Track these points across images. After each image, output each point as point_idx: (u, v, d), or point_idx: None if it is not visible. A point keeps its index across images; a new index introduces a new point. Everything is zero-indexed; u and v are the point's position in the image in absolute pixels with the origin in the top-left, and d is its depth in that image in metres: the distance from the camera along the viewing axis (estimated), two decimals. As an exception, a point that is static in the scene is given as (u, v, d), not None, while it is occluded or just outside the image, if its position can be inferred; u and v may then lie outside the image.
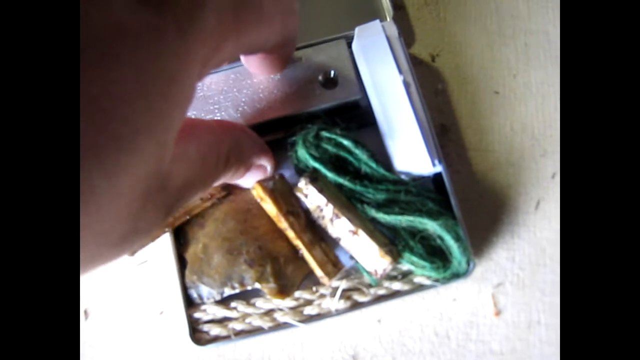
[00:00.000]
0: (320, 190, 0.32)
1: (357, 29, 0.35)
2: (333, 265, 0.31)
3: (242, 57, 0.30)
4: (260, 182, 0.31)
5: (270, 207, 0.31)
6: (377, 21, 0.35)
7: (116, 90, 0.14)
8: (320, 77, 0.34)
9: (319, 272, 0.31)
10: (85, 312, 0.34)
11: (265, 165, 0.31)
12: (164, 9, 0.15)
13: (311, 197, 0.32)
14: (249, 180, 0.31)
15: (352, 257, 0.33)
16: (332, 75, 0.34)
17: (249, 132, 0.29)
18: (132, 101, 0.14)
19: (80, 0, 0.13)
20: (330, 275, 0.31)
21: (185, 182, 0.21)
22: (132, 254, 0.31)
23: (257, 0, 0.20)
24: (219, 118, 0.33)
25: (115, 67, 0.14)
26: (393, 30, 0.35)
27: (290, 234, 0.31)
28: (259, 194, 0.31)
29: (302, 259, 0.31)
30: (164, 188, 0.19)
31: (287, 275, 0.31)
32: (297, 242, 0.31)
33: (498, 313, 0.34)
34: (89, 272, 0.18)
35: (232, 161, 0.26)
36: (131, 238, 0.18)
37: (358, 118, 0.35)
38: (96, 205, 0.14)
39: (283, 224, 0.31)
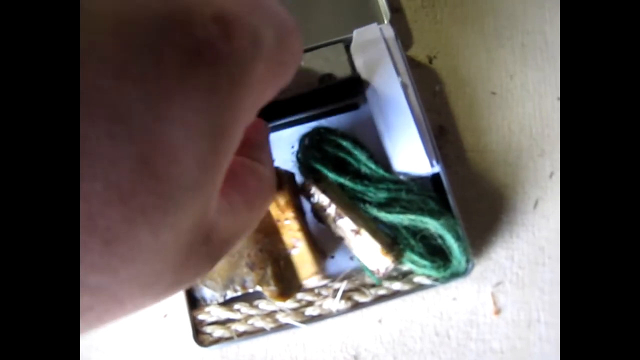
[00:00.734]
0: (324, 191, 0.32)
1: (355, 32, 0.35)
2: (320, 260, 0.32)
3: None
4: (278, 170, 0.32)
5: (283, 195, 0.32)
6: (375, 24, 0.35)
7: (167, 150, 0.13)
8: (318, 80, 0.35)
9: (313, 267, 0.31)
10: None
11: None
12: (218, 63, 0.14)
13: (315, 197, 0.32)
14: None
15: (351, 258, 0.33)
16: (331, 78, 0.35)
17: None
18: (182, 160, 0.14)
19: None
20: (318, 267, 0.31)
21: (232, 233, 0.20)
22: None
23: (292, 42, 0.19)
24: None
25: (167, 127, 0.13)
26: (390, 33, 0.35)
27: (294, 225, 0.31)
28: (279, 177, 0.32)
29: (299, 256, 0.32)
30: (208, 240, 0.18)
31: (288, 277, 0.31)
32: (299, 234, 0.31)
33: (498, 312, 0.34)
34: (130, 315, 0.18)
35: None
36: (174, 288, 0.18)
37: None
38: (142, 260, 0.14)
39: (290, 213, 0.31)
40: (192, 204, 0.15)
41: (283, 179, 0.32)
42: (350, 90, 0.34)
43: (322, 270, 0.32)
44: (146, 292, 0.16)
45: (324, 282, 0.32)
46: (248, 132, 0.26)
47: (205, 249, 0.18)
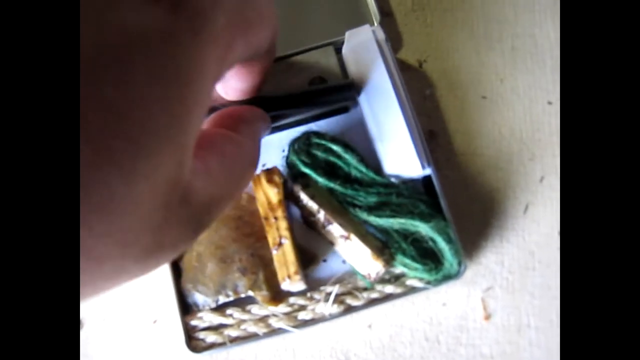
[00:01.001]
0: (312, 197, 0.32)
1: (347, 34, 0.35)
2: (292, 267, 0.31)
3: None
4: (276, 169, 0.32)
5: (275, 192, 0.31)
6: (367, 26, 0.35)
7: (131, 93, 0.13)
8: (308, 83, 0.35)
9: (294, 266, 0.31)
10: (80, 321, 0.35)
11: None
12: (176, 10, 0.15)
13: (304, 202, 0.32)
14: None
15: (344, 262, 0.33)
16: (321, 81, 0.35)
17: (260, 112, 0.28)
18: (148, 104, 0.14)
19: (92, 3, 0.13)
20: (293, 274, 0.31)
21: (211, 197, 0.20)
22: None
23: (257, 0, 0.20)
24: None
25: (130, 70, 0.13)
26: (381, 35, 0.35)
27: (283, 223, 0.31)
28: (273, 178, 0.32)
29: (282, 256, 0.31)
30: (187, 202, 0.18)
31: (279, 282, 0.31)
32: (286, 233, 0.31)
33: (488, 317, 0.34)
34: (115, 287, 0.17)
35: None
36: (156, 253, 0.17)
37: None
38: (117, 213, 0.14)
39: (280, 212, 0.31)
40: (163, 153, 0.15)
41: (278, 178, 0.32)
42: (343, 95, 0.34)
43: (301, 270, 0.31)
44: (125, 252, 0.15)
45: (303, 285, 0.32)
46: (241, 110, 0.26)
47: (185, 212, 0.18)
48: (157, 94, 0.14)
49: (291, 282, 0.30)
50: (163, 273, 0.33)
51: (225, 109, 0.26)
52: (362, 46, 0.35)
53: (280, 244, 0.31)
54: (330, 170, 0.33)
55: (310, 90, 0.34)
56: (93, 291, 0.16)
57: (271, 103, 0.32)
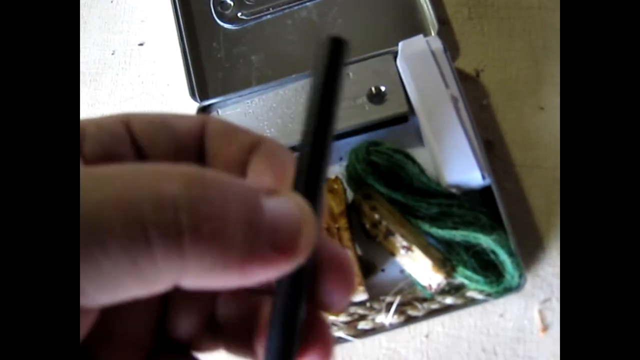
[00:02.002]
0: (374, 207, 0.32)
1: (400, 44, 0.35)
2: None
3: None
4: (338, 178, 0.33)
5: (337, 202, 0.32)
6: (421, 36, 0.35)
7: None
8: (367, 92, 0.35)
9: (358, 277, 0.31)
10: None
11: None
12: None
13: (365, 213, 0.32)
14: None
15: (402, 271, 0.33)
16: (380, 90, 0.35)
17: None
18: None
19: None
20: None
21: None
22: None
23: None
24: (268, 134, 0.33)
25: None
26: (438, 45, 0.35)
27: (345, 234, 0.31)
28: (334, 188, 0.32)
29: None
30: None
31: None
32: (349, 244, 0.31)
33: (545, 329, 0.34)
34: None
35: None
36: None
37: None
38: None
39: (342, 223, 0.31)
40: None
41: (339, 187, 0.32)
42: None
43: (364, 281, 0.32)
44: None
45: (366, 295, 0.32)
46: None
47: None
48: None
49: (354, 294, 0.30)
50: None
51: None
52: (416, 56, 0.34)
53: None
54: (392, 180, 0.33)
55: (363, 127, 0.34)
56: None
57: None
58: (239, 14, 0.39)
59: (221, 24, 0.39)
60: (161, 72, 0.41)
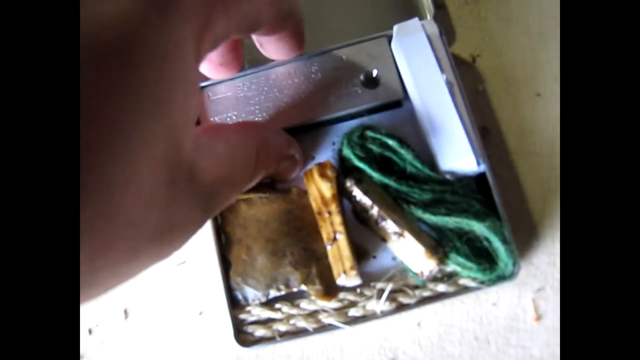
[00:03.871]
0: (366, 192, 0.31)
1: (395, 27, 0.34)
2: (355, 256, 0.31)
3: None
4: (329, 163, 0.32)
5: (328, 187, 0.31)
6: (416, 19, 0.34)
7: (108, 82, 0.14)
8: (361, 77, 0.34)
9: (350, 261, 0.30)
10: (125, 311, 0.34)
11: (294, 154, 0.31)
12: None
13: (357, 198, 0.31)
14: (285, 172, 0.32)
15: (394, 258, 0.33)
16: (374, 74, 0.34)
17: (271, 128, 0.30)
18: (128, 87, 0.14)
19: None
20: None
21: (216, 178, 0.21)
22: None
23: None
24: (259, 119, 0.33)
25: (103, 60, 0.14)
26: (434, 29, 0.34)
27: (337, 218, 0.31)
28: (326, 172, 0.31)
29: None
30: (191, 179, 0.19)
31: (333, 276, 0.31)
32: (341, 228, 0.31)
33: (539, 318, 0.33)
34: (137, 272, 0.18)
35: (262, 157, 0.25)
36: (168, 233, 0.18)
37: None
38: (120, 192, 0.14)
39: (333, 207, 0.31)
40: (154, 131, 0.16)
41: (330, 172, 0.31)
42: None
43: (357, 266, 0.31)
44: (136, 231, 0.16)
45: (359, 280, 0.31)
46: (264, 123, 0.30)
47: (191, 190, 0.19)
48: (135, 76, 0.15)
49: (347, 278, 0.30)
50: (210, 266, 0.33)
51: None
52: (411, 40, 0.34)
53: (334, 239, 0.30)
54: (385, 166, 0.32)
55: (357, 113, 0.34)
56: (114, 277, 0.17)
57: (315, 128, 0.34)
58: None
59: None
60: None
